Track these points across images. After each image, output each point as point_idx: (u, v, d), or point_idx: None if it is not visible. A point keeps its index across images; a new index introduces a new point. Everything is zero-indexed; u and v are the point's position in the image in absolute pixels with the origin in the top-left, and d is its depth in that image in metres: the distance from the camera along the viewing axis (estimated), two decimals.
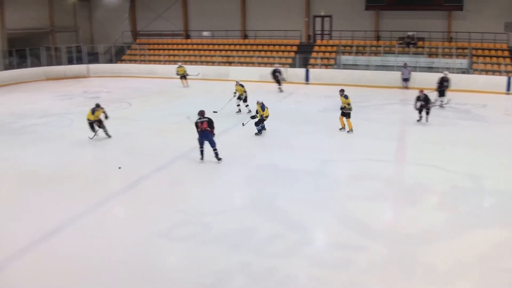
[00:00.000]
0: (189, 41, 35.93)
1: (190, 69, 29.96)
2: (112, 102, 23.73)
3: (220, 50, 33.55)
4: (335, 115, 18.16)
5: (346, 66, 29.44)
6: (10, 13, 33.66)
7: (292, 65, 30.24)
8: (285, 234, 9.19)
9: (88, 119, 16.17)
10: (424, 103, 17.40)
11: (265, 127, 16.72)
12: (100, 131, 16.48)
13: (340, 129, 16.96)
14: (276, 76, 26.35)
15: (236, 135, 16.80)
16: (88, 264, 8.39)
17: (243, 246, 8.81)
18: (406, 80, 26.68)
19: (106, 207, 11.04)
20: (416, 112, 17.79)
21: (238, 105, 20.41)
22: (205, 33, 35.57)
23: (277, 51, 32.18)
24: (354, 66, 29.22)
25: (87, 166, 14.13)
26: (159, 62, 34.22)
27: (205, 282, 7.66)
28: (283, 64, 30.17)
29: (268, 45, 32.93)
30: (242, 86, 20.62)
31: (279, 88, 26.24)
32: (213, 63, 32.52)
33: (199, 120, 13.31)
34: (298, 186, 11.80)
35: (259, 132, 16.59)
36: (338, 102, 18.98)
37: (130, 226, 9.96)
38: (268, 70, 29.77)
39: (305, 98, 23.93)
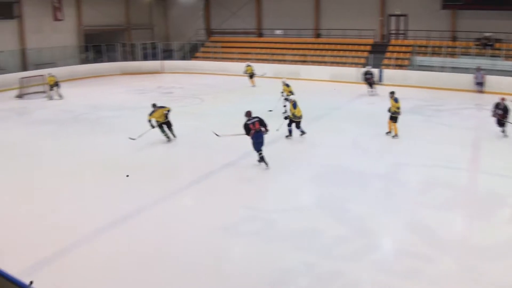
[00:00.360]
0: (261, 39, 36.06)
1: (261, 67, 30.12)
2: (185, 98, 24.24)
3: (293, 49, 33.41)
4: (407, 118, 17.74)
5: (421, 67, 28.40)
6: (87, 10, 35.06)
7: (365, 65, 29.59)
8: (352, 237, 9.02)
9: (157, 121, 15.57)
10: (502, 113, 15.89)
11: (304, 130, 16.05)
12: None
13: (386, 133, 16.33)
14: (369, 78, 25.04)
15: (306, 134, 16.58)
16: (154, 252, 8.62)
17: (308, 246, 8.72)
18: (479, 84, 25.56)
19: (175, 199, 11.30)
20: (494, 119, 16.26)
21: (285, 106, 19.89)
22: (277, 32, 35.58)
23: (350, 51, 31.58)
24: (429, 68, 28.18)
25: (158, 158, 14.45)
26: (232, 59, 34.49)
27: (268, 280, 7.65)
28: (356, 64, 29.75)
29: (341, 44, 32.36)
30: (288, 85, 20.35)
31: (371, 90, 24.94)
32: (284, 61, 32.44)
33: (250, 122, 12.76)
34: (367, 189, 11.55)
35: (290, 134, 15.97)
36: (412, 104, 18.57)
37: (197, 218, 10.12)
38: (340, 70, 29.55)
39: (377, 99, 23.39)
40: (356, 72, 28.42)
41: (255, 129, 12.61)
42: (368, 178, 12.23)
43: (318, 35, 34.21)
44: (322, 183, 12.02)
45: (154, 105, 15.70)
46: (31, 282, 5.01)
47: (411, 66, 28.82)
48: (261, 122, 12.77)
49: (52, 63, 31.36)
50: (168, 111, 15.58)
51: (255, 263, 8.28)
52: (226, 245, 8.98)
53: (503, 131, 16.08)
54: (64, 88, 25.84)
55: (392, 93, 16.22)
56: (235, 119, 18.75)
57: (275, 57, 33.30)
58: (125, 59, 35.78)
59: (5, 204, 11.01)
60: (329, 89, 26.40)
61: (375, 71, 25.87)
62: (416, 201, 10.89)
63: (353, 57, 30.89)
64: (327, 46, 32.62)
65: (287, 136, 15.95)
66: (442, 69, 27.55)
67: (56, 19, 32.69)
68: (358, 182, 11.94)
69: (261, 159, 12.87)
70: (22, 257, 8.38)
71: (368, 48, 31.48)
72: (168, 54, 36.97)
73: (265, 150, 12.91)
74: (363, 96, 24.33)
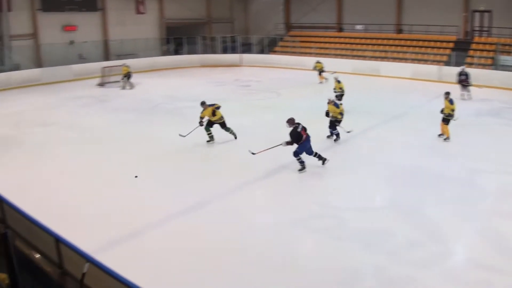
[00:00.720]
0: (341, 34, 35.50)
1: (341, 63, 29.70)
2: (261, 91, 24.27)
3: (373, 45, 32.67)
4: (489, 121, 16.95)
5: (505, 68, 26.61)
6: (169, 4, 35.90)
7: (447, 63, 28.51)
8: (424, 243, 8.59)
9: (210, 120, 15.01)
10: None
11: (339, 135, 15.02)
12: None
13: (439, 135, 15.39)
14: (463, 80, 22.42)
15: (378, 132, 16.29)
16: (224, 242, 8.67)
17: (379, 248, 8.43)
18: None
19: (247, 190, 11.36)
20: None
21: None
22: (358, 27, 34.88)
23: (432, 48, 30.33)
24: None
25: (232, 150, 14.49)
26: (310, 54, 34.18)
27: (335, 278, 7.50)
28: (438, 62, 28.69)
29: (423, 40, 31.19)
30: (339, 82, 19.94)
31: (466, 94, 22.51)
32: (364, 57, 31.78)
33: (300, 129, 12.12)
34: (443, 193, 10.97)
35: (337, 137, 14.94)
36: (492, 106, 17.69)
37: (268, 212, 10.12)
38: (421, 67, 28.53)
39: (457, 100, 22.36)
40: (438, 70, 27.42)
41: (306, 135, 12.21)
42: (444, 182, 11.64)
43: (399, 31, 33.18)
44: (396, 184, 11.59)
45: (203, 103, 15.10)
46: (88, 261, 5.08)
47: (494, 66, 27.26)
48: (305, 128, 12.25)
49: (134, 54, 32.36)
50: (218, 108, 15.08)
51: (323, 260, 8.12)
52: (295, 240, 8.90)
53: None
54: (144, 79, 26.60)
55: (447, 93, 15.28)
56: (310, 114, 18.64)
57: (354, 52, 32.69)
58: (204, 51, 36.28)
59: (84, 184, 11.51)
60: (408, 87, 25.61)
61: (469, 71, 23.01)
62: (493, 209, 10.25)
63: (434, 54, 29.66)
64: (408, 43, 31.62)
65: (335, 140, 15.04)
66: None
67: (139, 12, 33.58)
68: (434, 185, 11.41)
69: (320, 157, 12.54)
70: (96, 235, 8.68)
71: (451, 45, 30.00)
72: (247, 48, 37.18)
73: (340, 148, 12.63)
74: (441, 96, 23.26)
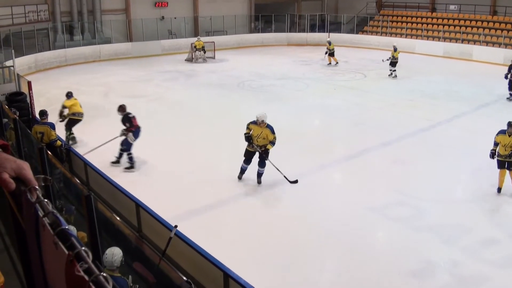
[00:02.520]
0: (434, 14, 34.11)
1: (432, 45, 28.73)
2: (348, 72, 23.79)
3: (466, 27, 31.13)
4: None
5: None
6: None
7: None
8: (504, 241, 8.10)
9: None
10: None
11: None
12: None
13: None
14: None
15: (466, 120, 15.47)
16: (297, 221, 8.67)
17: (456, 243, 8.04)
18: None
19: (327, 172, 11.26)
20: None
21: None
22: (452, 7, 33.35)
23: None
24: None
25: (315, 130, 14.35)
26: (400, 35, 33.16)
27: (409, 268, 7.29)
28: None
29: None
30: (395, 50, 20.65)
31: None
32: (456, 40, 30.38)
33: (132, 117, 11.09)
34: None
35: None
36: None
37: (346, 195, 9.92)
38: None
39: None
40: None
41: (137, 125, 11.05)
42: None
43: (494, 12, 31.36)
44: (482, 178, 10.82)
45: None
46: (175, 226, 5.12)
47: None
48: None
49: (222, 31, 32.59)
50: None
51: (399, 250, 7.92)
52: (372, 226, 8.76)
53: None
54: (231, 55, 26.82)
55: None
56: (396, 97, 18.08)
57: (446, 34, 31.33)
58: (292, 30, 35.99)
59: (168, 156, 11.83)
60: (500, 74, 24.17)
61: None
62: None
63: None
64: (502, 26, 29.80)
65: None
66: None
67: None
68: None
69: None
70: (174, 205, 8.82)
71: None
72: (336, 27, 36.50)
73: (427, 135, 12.06)
74: None
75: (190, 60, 26.57)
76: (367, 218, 8.90)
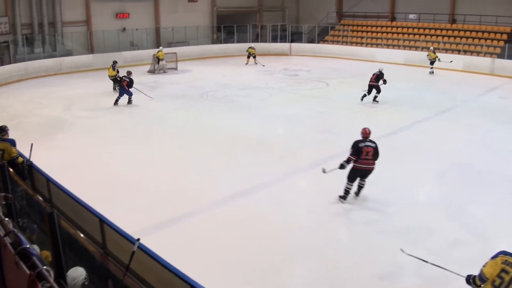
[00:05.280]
0: (393, 23, 34.72)
1: (392, 53, 29.23)
2: (311, 81, 24.04)
3: (425, 35, 31.81)
4: None
5: None
6: None
7: (501, 56, 27.31)
8: (470, 242, 8.27)
9: None
10: None
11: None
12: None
13: None
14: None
15: (428, 125, 15.81)
16: (267, 228, 8.68)
17: (422, 245, 8.16)
18: None
19: (292, 180, 11.27)
20: None
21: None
22: (411, 16, 34.00)
23: (485, 39, 29.15)
24: None
25: (279, 138, 14.45)
26: (361, 44, 33.69)
27: (375, 272, 7.36)
28: (491, 54, 27.58)
29: (477, 31, 30.01)
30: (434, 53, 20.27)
31: None
32: (416, 48, 31.01)
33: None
34: (493, 192, 10.50)
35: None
36: None
37: (311, 202, 9.99)
38: (474, 59, 27.41)
39: (510, 94, 21.42)
40: (491, 63, 26.45)
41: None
42: (495, 180, 11.15)
43: (453, 21, 32.05)
44: (445, 180, 11.18)
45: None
46: (138, 240, 5.10)
47: None
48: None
49: (184, 42, 32.61)
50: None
51: (364, 253, 7.99)
52: (337, 232, 8.85)
53: None
54: (194, 66, 26.85)
55: None
56: (358, 105, 18.37)
57: (406, 43, 31.94)
58: (255, 40, 36.20)
59: (131, 168, 11.68)
60: (460, 80, 24.84)
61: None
62: None
63: (488, 46, 28.46)
64: (461, 33, 30.46)
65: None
66: None
67: (191, 0, 33.70)
68: (485, 183, 10.95)
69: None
70: (141, 218, 8.79)
71: (505, 37, 28.66)
72: (297, 37, 36.94)
73: (389, 140, 12.33)
74: (495, 90, 22.54)
75: (152, 71, 26.45)
76: (333, 224, 9.00)
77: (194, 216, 9.19)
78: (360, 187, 9.99)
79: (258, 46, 34.50)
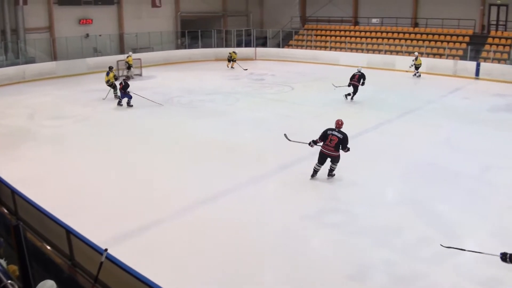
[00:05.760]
0: (357, 28, 35.20)
1: (356, 56, 29.69)
2: (276, 85, 24.20)
3: (388, 38, 32.37)
4: (504, 116, 16.80)
5: None
6: None
7: (463, 57, 28.13)
8: (436, 239, 8.42)
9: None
10: None
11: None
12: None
13: None
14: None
15: (392, 127, 16.12)
16: (234, 235, 8.68)
17: (390, 244, 8.35)
18: None
19: (260, 184, 11.32)
20: None
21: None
22: (374, 20, 34.53)
23: (447, 42, 29.91)
24: None
25: (246, 143, 14.48)
26: (325, 48, 34.05)
27: (345, 273, 7.46)
28: (453, 56, 28.30)
29: (439, 34, 30.77)
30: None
31: None
32: (379, 51, 31.51)
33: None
34: (457, 190, 10.82)
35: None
36: (508, 101, 17.45)
37: (280, 205, 10.07)
38: (437, 62, 28.06)
39: (473, 95, 22.05)
40: (453, 65, 27.12)
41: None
42: (459, 178, 11.48)
43: (415, 25, 32.72)
44: (410, 180, 11.44)
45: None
46: (106, 250, 5.08)
47: (510, 61, 26.70)
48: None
49: (149, 48, 32.43)
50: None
51: (334, 255, 8.11)
52: (306, 234, 8.86)
53: None
54: (159, 72, 26.75)
55: None
56: (323, 108, 18.60)
57: (369, 46, 32.41)
58: (219, 45, 36.24)
59: (97, 177, 11.55)
60: (423, 82, 25.38)
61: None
62: (506, 206, 10.05)
63: (450, 48, 29.20)
64: (424, 37, 31.22)
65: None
66: None
67: (154, 5, 33.48)
68: (448, 182, 11.25)
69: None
70: (109, 228, 8.71)
71: (467, 39, 29.56)
72: (262, 41, 37.09)
73: (354, 142, 12.47)
74: (458, 90, 23.09)
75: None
76: (302, 226, 9.04)
77: (162, 223, 9.15)
78: (330, 170, 11.23)
79: (224, 51, 34.61)
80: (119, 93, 19.62)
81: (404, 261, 7.76)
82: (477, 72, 26.41)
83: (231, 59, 30.79)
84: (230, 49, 32.44)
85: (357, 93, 19.66)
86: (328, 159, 11.00)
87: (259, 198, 10.46)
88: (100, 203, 9.99)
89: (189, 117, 17.42)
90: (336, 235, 8.73)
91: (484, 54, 27.81)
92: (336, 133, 10.80)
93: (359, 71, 19.82)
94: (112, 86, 20.44)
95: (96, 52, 30.36)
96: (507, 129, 15.85)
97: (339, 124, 10.99)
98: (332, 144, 10.76)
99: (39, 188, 10.22)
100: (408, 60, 27.47)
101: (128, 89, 18.72)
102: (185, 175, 11.66)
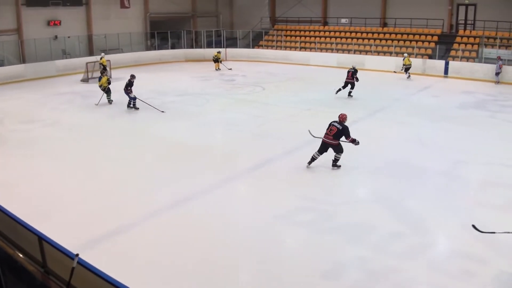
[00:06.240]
0: (326, 28, 35.53)
1: (325, 56, 29.96)
2: (247, 86, 24.30)
3: (357, 38, 32.76)
4: (473, 113, 17.18)
5: (488, 60, 26.70)
6: None
7: (432, 56, 28.70)
8: (407, 234, 8.67)
9: None
10: None
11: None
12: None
13: None
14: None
15: (362, 125, 16.31)
16: (207, 237, 8.69)
17: (362, 240, 8.50)
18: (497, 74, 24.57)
19: (232, 185, 11.37)
20: None
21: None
22: (343, 20, 34.90)
23: (416, 41, 30.54)
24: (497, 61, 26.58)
25: (217, 144, 14.56)
26: (295, 48, 34.29)
27: (319, 270, 7.55)
28: (422, 55, 28.84)
29: (408, 34, 31.36)
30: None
31: None
32: (349, 51, 31.85)
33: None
34: (427, 186, 11.06)
35: None
36: (477, 99, 17.80)
37: (253, 205, 10.16)
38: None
39: (442, 93, 22.52)
40: (422, 64, 27.62)
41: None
42: (429, 174, 11.75)
43: (384, 25, 33.21)
44: (381, 177, 11.65)
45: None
46: (77, 255, 5.10)
47: (478, 59, 27.44)
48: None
49: (118, 49, 32.23)
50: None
51: (308, 253, 8.19)
52: (279, 233, 8.93)
53: None
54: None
55: None
56: (295, 108, 18.77)
57: (339, 46, 32.74)
58: (189, 46, 36.23)
59: (69, 182, 11.41)
60: (392, 81, 25.79)
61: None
62: (476, 200, 10.34)
63: (419, 47, 29.80)
64: (393, 36, 31.73)
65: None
66: (511, 62, 25.87)
67: (123, 6, 33.28)
68: (418, 178, 11.50)
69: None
70: (82, 233, 8.64)
71: (435, 38, 30.21)
72: (232, 42, 37.17)
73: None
74: (427, 89, 23.55)
75: (86, 80, 25.85)
76: (275, 225, 9.11)
77: (134, 227, 9.12)
78: (334, 160, 12.01)
79: (194, 52, 34.64)
80: (112, 98, 19.69)
81: (377, 257, 7.89)
82: (446, 71, 27.01)
83: (217, 60, 30.67)
84: (215, 50, 32.39)
85: (354, 89, 20.85)
86: (330, 149, 11.81)
87: (231, 198, 10.51)
88: (72, 209, 9.88)
89: (160, 119, 17.34)
90: (309, 233, 8.82)
91: (452, 53, 28.43)
92: (336, 124, 11.73)
93: (353, 68, 20.88)
94: (105, 90, 19.95)
95: (65, 54, 30.06)
96: (476, 126, 16.25)
97: (341, 117, 11.88)
98: (331, 133, 11.65)
99: (9, 194, 10.14)
100: (377, 60, 27.93)
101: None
102: (155, 178, 11.61)
